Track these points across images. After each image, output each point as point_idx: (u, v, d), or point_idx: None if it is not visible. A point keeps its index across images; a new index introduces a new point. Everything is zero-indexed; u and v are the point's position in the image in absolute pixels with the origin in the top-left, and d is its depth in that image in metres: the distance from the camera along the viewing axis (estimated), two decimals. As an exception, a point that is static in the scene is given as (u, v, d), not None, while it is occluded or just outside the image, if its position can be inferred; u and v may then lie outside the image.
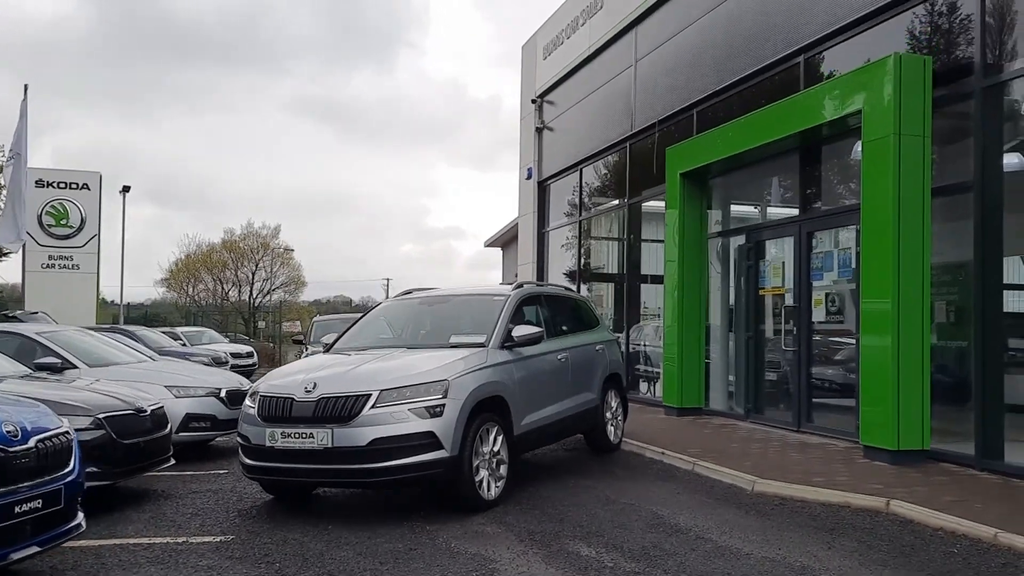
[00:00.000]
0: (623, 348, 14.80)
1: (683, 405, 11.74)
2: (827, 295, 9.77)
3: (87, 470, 6.53)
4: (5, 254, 31.06)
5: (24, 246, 29.83)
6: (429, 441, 6.08)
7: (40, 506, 4.34)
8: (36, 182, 31.45)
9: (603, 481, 7.60)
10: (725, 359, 11.95)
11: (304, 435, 6.11)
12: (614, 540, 5.51)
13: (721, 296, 12.18)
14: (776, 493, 6.78)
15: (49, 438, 4.53)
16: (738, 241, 11.62)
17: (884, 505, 6.18)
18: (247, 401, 6.69)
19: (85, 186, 32.39)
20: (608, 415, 9.15)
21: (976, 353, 7.51)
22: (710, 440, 9.51)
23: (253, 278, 66.48)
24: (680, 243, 11.88)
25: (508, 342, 7.19)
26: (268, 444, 6.25)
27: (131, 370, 10.03)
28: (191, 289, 64.98)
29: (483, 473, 6.48)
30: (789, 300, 10.26)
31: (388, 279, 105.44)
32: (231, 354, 25.36)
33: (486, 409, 6.61)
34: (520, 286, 8.19)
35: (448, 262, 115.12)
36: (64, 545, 5.42)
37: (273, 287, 67.12)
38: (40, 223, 31.57)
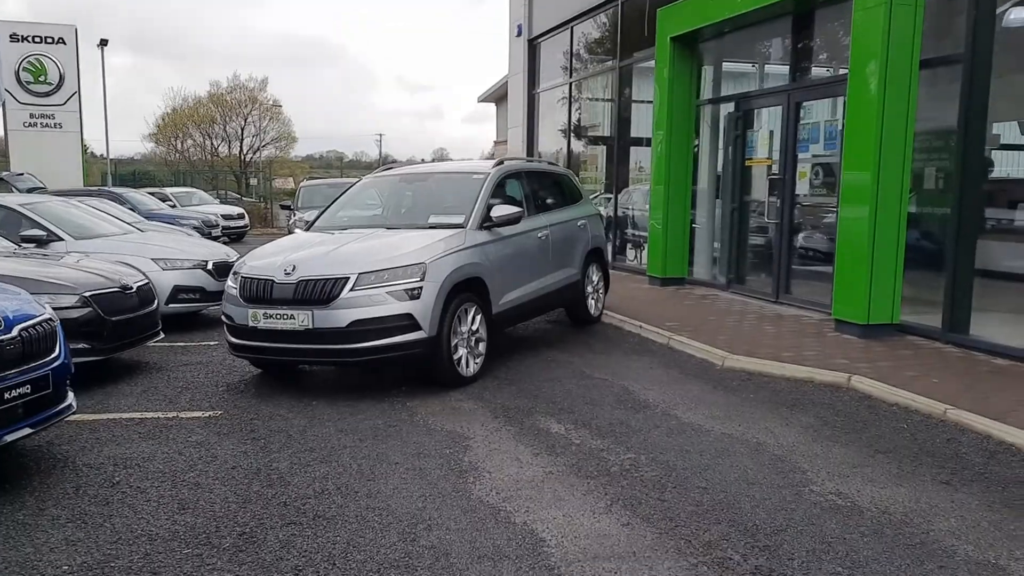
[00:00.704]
0: (612, 212, 14.90)
1: (666, 275, 11.93)
2: (812, 167, 9.75)
3: (77, 347, 6.79)
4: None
5: (4, 104, 29.22)
6: (408, 323, 6.25)
7: (29, 391, 4.52)
8: (10, 36, 30.61)
9: (580, 355, 7.86)
10: (711, 228, 12.04)
11: (285, 316, 6.27)
12: (583, 417, 5.78)
13: (710, 164, 12.12)
14: (744, 368, 7.04)
15: (33, 326, 4.66)
16: (727, 109, 11.45)
17: (846, 381, 6.44)
18: (229, 281, 6.81)
19: (61, 40, 31.37)
20: (589, 289, 9.32)
21: (951, 224, 7.59)
22: (689, 312, 9.74)
23: (243, 133, 65.45)
24: (669, 109, 11.71)
25: (487, 222, 7.24)
26: (251, 324, 6.42)
27: (117, 243, 10.12)
28: (180, 144, 64.09)
29: (462, 351, 6.70)
30: (775, 171, 10.23)
31: (380, 135, 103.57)
32: (222, 216, 25.24)
33: (464, 290, 6.75)
34: (500, 163, 8.14)
35: (440, 115, 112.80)
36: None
37: (263, 143, 66.19)
38: (18, 80, 30.78)
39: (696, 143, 12.04)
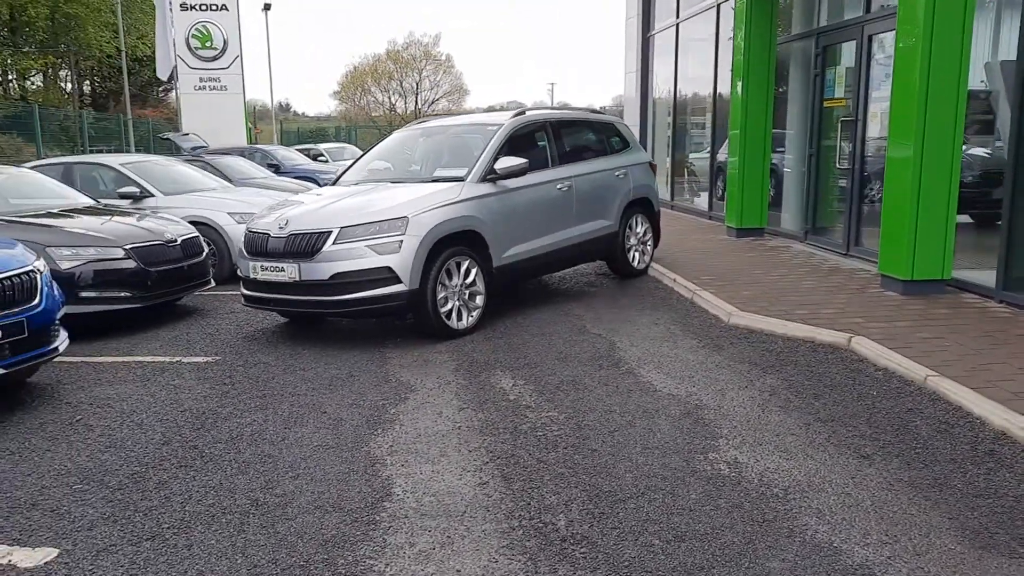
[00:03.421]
0: (711, 160, 14.26)
1: (742, 225, 11.35)
2: (887, 107, 8.86)
3: (119, 295, 7.44)
4: (169, 81, 33.43)
5: (176, 69, 31.84)
6: (388, 275, 6.37)
7: (0, 336, 5.05)
8: (180, 6, 33.01)
9: (596, 309, 7.69)
10: (798, 176, 11.28)
11: (277, 268, 6.57)
12: (543, 372, 5.69)
13: (799, 108, 11.30)
14: (748, 326, 6.63)
15: (7, 277, 5.16)
16: (809, 46, 10.58)
17: (846, 342, 5.93)
18: (243, 237, 7.19)
19: (224, 7, 33.51)
20: (632, 241, 9.04)
21: (1009, 168, 6.71)
22: (741, 266, 9.24)
23: (418, 87, 68.06)
24: (746, 47, 10.99)
25: (491, 175, 7.18)
26: (252, 276, 6.79)
27: (201, 198, 10.86)
28: (360, 101, 67.48)
29: (452, 304, 6.74)
30: (849, 113, 9.40)
31: (552, 83, 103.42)
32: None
33: (456, 243, 6.76)
34: (521, 113, 8.00)
35: (612, 58, 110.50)
36: (75, 361, 6.36)
37: (437, 96, 68.64)
38: (188, 46, 33.29)
39: (784, 85, 11.26)
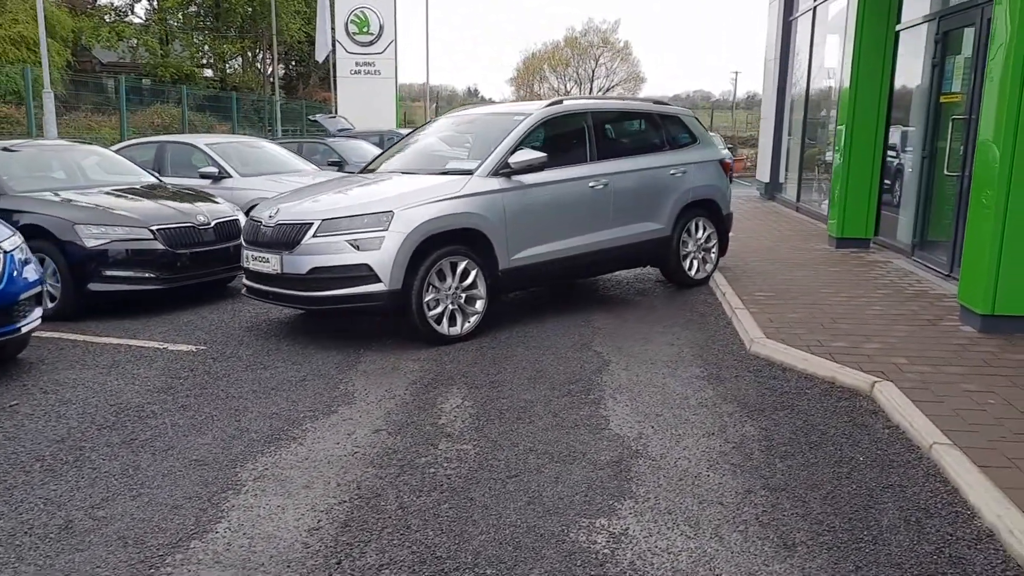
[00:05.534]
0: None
1: (843, 235, 10.06)
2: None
3: (143, 276, 7.46)
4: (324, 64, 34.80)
5: (334, 54, 33.09)
6: (366, 274, 5.93)
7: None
8: (342, -7, 34.13)
9: (620, 320, 6.93)
10: (914, 181, 9.85)
11: (263, 259, 6.30)
12: (501, 394, 5.07)
13: (920, 103, 9.85)
14: (768, 356, 5.66)
15: (-37, 259, 5.17)
16: (930, 32, 9.14)
17: (868, 387, 4.89)
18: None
19: (382, -7, 34.40)
20: (690, 247, 8.14)
21: None
22: (815, 283, 8.09)
23: (593, 75, 67.83)
24: (859, 35, 9.67)
25: (505, 169, 6.58)
26: (246, 265, 6.57)
27: (273, 181, 10.89)
28: (536, 87, 68.05)
29: (442, 308, 6.22)
30: (962, 110, 8.00)
31: (736, 72, 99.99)
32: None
33: (452, 242, 6.23)
34: (558, 103, 7.30)
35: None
36: (75, 339, 6.46)
37: (612, 84, 68.13)
38: (347, 31, 34.48)
39: (908, 76, 9.85)
